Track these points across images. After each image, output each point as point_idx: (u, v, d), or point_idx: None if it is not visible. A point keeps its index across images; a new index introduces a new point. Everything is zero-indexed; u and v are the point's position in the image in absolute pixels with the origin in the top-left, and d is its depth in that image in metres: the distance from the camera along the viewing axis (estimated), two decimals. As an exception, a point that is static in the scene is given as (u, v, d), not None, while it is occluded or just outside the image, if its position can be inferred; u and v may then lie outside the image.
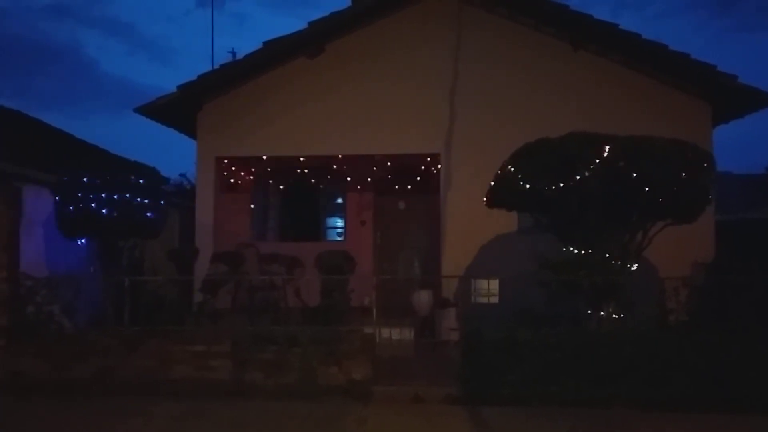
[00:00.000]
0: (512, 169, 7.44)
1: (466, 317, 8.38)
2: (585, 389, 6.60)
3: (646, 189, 6.77)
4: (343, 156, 10.89)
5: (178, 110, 10.62)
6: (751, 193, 18.30)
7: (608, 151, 6.76)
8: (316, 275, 8.87)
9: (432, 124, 10.33)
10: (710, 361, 6.56)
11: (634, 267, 7.36)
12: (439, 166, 10.44)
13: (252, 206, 12.56)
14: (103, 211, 8.13)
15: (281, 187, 13.00)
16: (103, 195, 8.17)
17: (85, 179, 8.28)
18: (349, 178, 12.41)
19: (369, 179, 12.31)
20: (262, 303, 9.34)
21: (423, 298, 9.96)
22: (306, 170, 12.07)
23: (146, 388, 7.09)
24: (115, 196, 8.21)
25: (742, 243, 10.13)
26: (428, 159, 11.02)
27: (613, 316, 7.18)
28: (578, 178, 6.82)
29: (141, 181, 8.62)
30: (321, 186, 12.94)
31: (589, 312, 7.23)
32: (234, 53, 18.23)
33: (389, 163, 11.59)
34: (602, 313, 7.19)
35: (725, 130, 11.18)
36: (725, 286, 7.51)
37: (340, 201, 13.01)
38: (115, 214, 8.24)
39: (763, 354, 6.55)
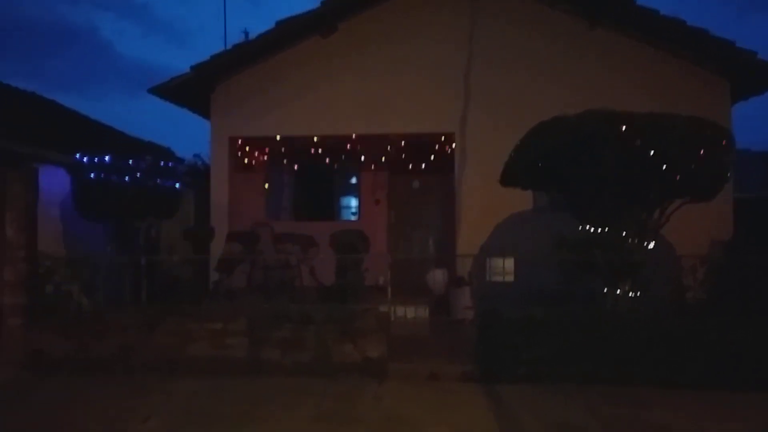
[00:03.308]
0: (527, 147, 7.39)
1: (481, 296, 8.38)
2: (601, 368, 6.60)
3: (664, 167, 6.69)
4: (357, 135, 10.87)
5: (191, 91, 10.63)
6: (770, 171, 18.04)
7: (625, 129, 6.68)
8: (330, 254, 8.90)
9: (447, 103, 10.27)
10: (728, 340, 6.52)
11: (651, 245, 7.31)
12: (454, 144, 10.39)
13: (266, 186, 12.58)
14: (119, 191, 8.19)
15: (295, 166, 13.00)
16: (119, 175, 8.22)
17: (100, 159, 8.32)
18: (363, 158, 12.38)
19: (383, 159, 12.27)
20: (277, 282, 9.40)
21: (437, 276, 9.97)
22: (320, 150, 12.05)
23: (165, 365, 7.18)
24: (131, 177, 8.26)
25: (760, 221, 10.01)
26: (443, 138, 10.97)
27: (630, 294, 7.14)
28: (595, 156, 6.75)
29: (156, 161, 8.66)
30: (335, 166, 12.92)
31: (606, 291, 7.19)
32: (247, 33, 18.11)
33: (403, 143, 11.54)
34: (619, 291, 7.15)
35: (744, 107, 11.03)
36: (743, 264, 7.44)
37: (354, 180, 12.99)
38: (131, 194, 8.29)
39: (781, 333, 6.50)
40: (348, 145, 11.86)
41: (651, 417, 5.60)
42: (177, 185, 9.09)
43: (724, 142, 6.92)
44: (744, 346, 6.49)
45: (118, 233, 8.85)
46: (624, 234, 7.17)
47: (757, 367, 6.44)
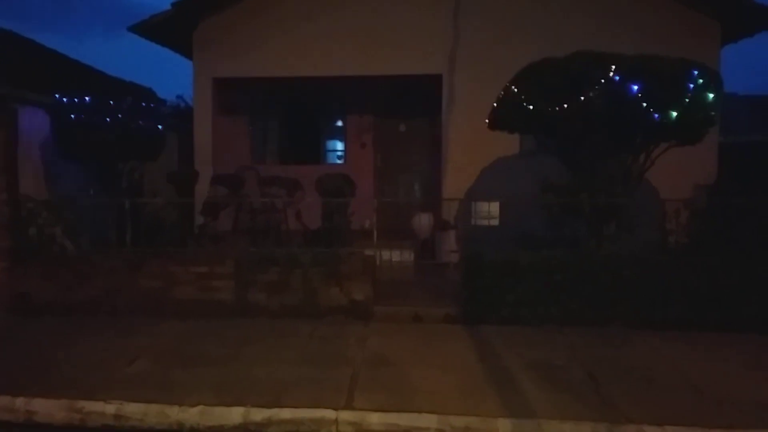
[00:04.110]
0: (516, 90, 7.31)
1: (466, 239, 8.42)
2: (584, 310, 6.72)
3: (651, 109, 6.65)
4: (342, 77, 10.68)
5: (173, 29, 10.37)
6: (756, 115, 18.06)
7: (614, 71, 6.60)
8: (316, 198, 8.86)
9: (434, 44, 10.10)
10: (709, 283, 6.64)
11: (636, 189, 7.33)
12: (442, 87, 10.25)
13: (251, 129, 12.42)
14: (100, 131, 8.04)
15: (280, 109, 12.80)
16: (100, 116, 8.05)
17: (81, 100, 8.14)
18: (348, 101, 12.21)
19: (370, 101, 12.11)
20: (263, 226, 9.36)
21: (423, 220, 10.00)
22: (306, 92, 11.86)
23: (151, 308, 7.21)
24: (113, 118, 8.10)
25: (745, 165, 10.05)
26: (430, 80, 10.81)
27: (613, 238, 7.20)
28: (583, 98, 6.69)
29: (138, 102, 8.49)
30: (320, 108, 12.75)
31: (589, 234, 7.24)
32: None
33: (390, 85, 11.37)
34: (603, 234, 7.20)
35: (734, 49, 10.93)
36: (726, 208, 7.49)
37: (340, 124, 12.85)
38: (113, 136, 8.15)
39: (761, 276, 6.61)
40: (334, 88, 11.67)
41: (632, 357, 5.73)
42: (160, 127, 8.94)
43: (712, 85, 6.87)
44: (725, 288, 6.62)
45: (101, 176, 8.75)
46: (609, 177, 7.18)
47: (737, 308, 6.57)
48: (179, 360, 5.66)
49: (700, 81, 6.76)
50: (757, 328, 6.45)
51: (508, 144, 9.61)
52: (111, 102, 8.28)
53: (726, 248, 6.87)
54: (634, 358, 5.70)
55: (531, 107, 7.17)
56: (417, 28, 10.10)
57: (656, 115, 6.70)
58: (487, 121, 8.07)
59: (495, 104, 7.78)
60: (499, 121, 7.91)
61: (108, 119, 8.13)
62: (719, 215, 7.56)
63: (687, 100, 6.70)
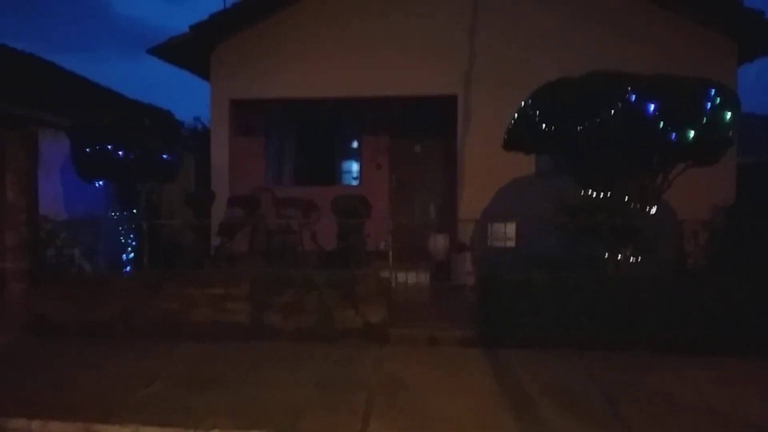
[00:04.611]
0: (531, 110, 7.29)
1: (482, 261, 8.38)
2: (602, 332, 6.62)
3: (669, 129, 6.61)
4: (358, 98, 10.74)
5: (191, 51, 10.50)
6: (774, 135, 17.88)
7: (631, 90, 6.57)
8: (332, 219, 8.87)
9: (450, 65, 10.13)
10: (729, 306, 6.53)
11: (654, 210, 7.27)
12: (457, 107, 10.27)
13: (267, 150, 12.50)
14: (120, 153, 8.12)
15: (296, 130, 12.89)
16: (119, 138, 8.14)
17: (101, 122, 8.24)
18: (364, 122, 12.26)
19: (385, 122, 12.16)
20: (278, 247, 9.39)
21: (439, 241, 9.96)
22: (321, 113, 11.93)
23: (167, 330, 7.22)
24: (131, 139, 8.18)
25: (763, 186, 9.95)
26: (446, 101, 10.84)
27: (632, 259, 7.12)
28: (599, 118, 6.66)
29: (156, 124, 8.58)
30: (336, 129, 12.81)
31: (607, 255, 7.17)
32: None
33: (406, 106, 11.41)
34: (620, 256, 7.13)
35: (750, 69, 10.87)
36: (745, 229, 7.41)
37: (355, 145, 12.89)
38: (132, 157, 8.23)
39: (783, 298, 6.50)
40: (349, 109, 11.73)
41: (651, 382, 5.63)
42: (178, 149, 9.02)
43: (730, 105, 6.81)
44: (745, 311, 6.50)
45: (119, 197, 8.82)
46: (627, 198, 7.12)
47: (758, 332, 6.45)
48: (195, 382, 5.65)
49: (718, 100, 6.70)
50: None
51: (523, 164, 9.59)
52: (129, 124, 8.36)
53: (746, 270, 6.77)
54: (653, 383, 5.60)
55: (547, 127, 7.14)
56: (432, 49, 10.15)
57: (673, 135, 6.65)
58: (502, 141, 8.06)
59: (510, 124, 7.77)
60: (514, 141, 7.90)
61: (127, 141, 8.20)
62: (738, 236, 7.48)
63: (704, 120, 6.64)
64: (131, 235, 8.62)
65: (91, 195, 8.92)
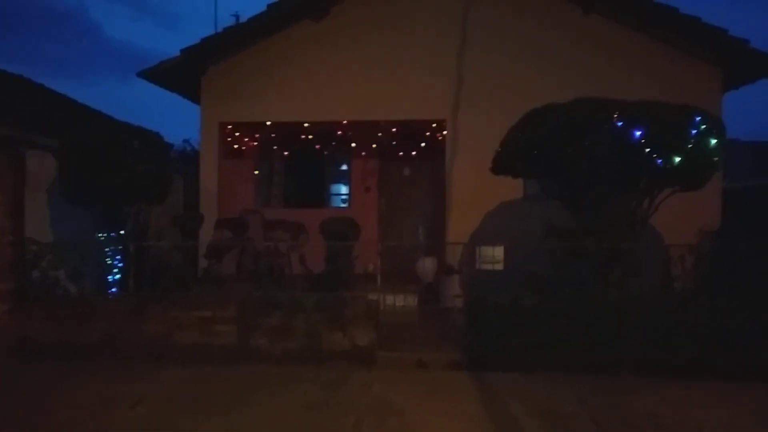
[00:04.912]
0: (519, 135, 7.37)
1: (471, 284, 8.38)
2: (590, 355, 6.63)
3: (655, 155, 6.69)
4: (347, 122, 10.80)
5: (181, 75, 10.53)
6: (758, 161, 18.15)
7: (617, 117, 6.66)
8: (320, 242, 8.86)
9: (439, 89, 10.21)
10: (716, 329, 6.56)
11: (641, 234, 7.32)
12: (446, 131, 10.35)
13: (256, 172, 12.51)
14: (107, 175, 8.09)
15: (285, 153, 12.93)
16: (107, 160, 8.11)
17: (88, 143, 8.21)
18: (353, 145, 12.33)
19: (374, 145, 12.22)
20: (266, 269, 9.36)
21: (427, 264, 9.97)
22: (310, 136, 11.98)
23: (153, 353, 7.14)
24: (119, 161, 8.16)
25: (748, 210, 10.06)
26: (434, 125, 10.93)
27: (619, 282, 7.15)
28: (586, 144, 6.74)
29: (145, 146, 8.57)
30: (325, 152, 12.86)
31: (595, 278, 7.20)
32: (237, 17, 18.00)
33: (394, 129, 11.49)
34: (608, 279, 7.16)
35: (734, 96, 11.05)
36: (731, 253, 7.47)
37: (344, 167, 12.94)
38: (120, 180, 8.19)
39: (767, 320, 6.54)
40: (338, 132, 11.80)
41: (639, 405, 5.63)
42: (167, 171, 9.00)
43: (714, 131, 6.92)
44: (732, 334, 6.53)
45: (107, 219, 8.77)
46: (614, 222, 7.17)
47: (744, 355, 6.47)
48: (180, 406, 5.59)
49: (703, 127, 6.81)
50: (765, 375, 6.34)
51: (511, 188, 9.64)
52: (118, 146, 8.34)
53: (732, 293, 6.82)
54: (641, 405, 5.60)
55: (534, 152, 7.22)
56: (422, 74, 10.23)
57: (659, 161, 6.74)
58: (490, 165, 8.11)
59: (498, 149, 7.83)
60: (502, 165, 7.96)
61: (115, 163, 8.17)
62: (724, 260, 7.53)
63: (689, 146, 6.74)
64: (118, 257, 8.55)
65: (78, 216, 8.86)
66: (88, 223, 8.88)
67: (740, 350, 6.49)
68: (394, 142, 12.02)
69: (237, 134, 11.59)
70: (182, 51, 10.02)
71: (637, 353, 6.59)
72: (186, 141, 18.00)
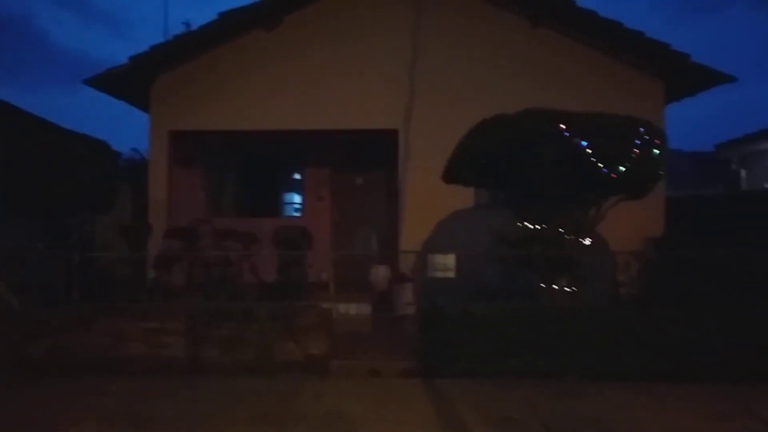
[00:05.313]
0: (469, 145, 7.48)
1: (423, 292, 8.43)
2: (539, 361, 6.74)
3: (601, 165, 6.87)
4: (300, 131, 10.77)
5: (130, 83, 10.35)
6: (699, 171, 18.81)
7: (564, 127, 6.82)
8: (272, 251, 8.79)
9: (391, 100, 10.29)
10: (659, 334, 6.75)
11: (588, 242, 7.50)
12: (398, 141, 10.41)
13: (207, 181, 12.34)
14: (51, 185, 7.87)
15: (237, 162, 12.80)
16: (51, 169, 7.90)
17: (31, 152, 7.98)
18: (306, 154, 12.29)
19: (327, 155, 12.21)
20: (217, 279, 9.22)
21: (380, 273, 10.00)
22: (263, 145, 11.89)
23: (100, 366, 6.96)
24: (64, 171, 7.95)
25: (690, 219, 10.40)
26: (387, 135, 10.98)
27: (567, 290, 7.31)
28: (534, 154, 6.88)
29: (91, 154, 8.37)
30: (278, 161, 12.79)
31: (543, 286, 7.34)
32: (188, 25, 17.77)
33: (348, 139, 11.49)
34: (556, 287, 7.31)
35: (676, 108, 11.44)
36: (674, 260, 7.71)
37: (297, 176, 12.89)
38: (64, 189, 7.97)
39: (708, 326, 6.77)
40: (291, 141, 11.74)
41: (586, 409, 5.75)
42: (113, 180, 8.81)
43: (657, 142, 7.15)
44: (675, 338, 6.73)
45: (50, 230, 8.51)
46: (562, 231, 7.33)
47: (687, 358, 6.68)
48: (127, 420, 5.45)
49: (646, 138, 7.03)
50: (706, 378, 6.55)
51: (463, 197, 9.76)
52: (62, 154, 8.13)
53: (675, 299, 7.03)
54: (589, 410, 5.72)
55: (484, 162, 7.33)
56: (374, 85, 10.30)
57: (605, 170, 6.92)
58: (442, 174, 8.19)
59: (450, 158, 7.92)
60: (454, 174, 8.05)
61: (59, 172, 7.96)
62: (667, 267, 7.77)
63: (634, 156, 6.94)
64: (63, 269, 8.31)
65: (20, 227, 8.59)
66: (33, 235, 8.61)
67: (682, 354, 6.69)
68: (347, 152, 12.03)
69: (187, 142, 11.41)
70: (130, 58, 9.85)
71: (585, 359, 6.73)
72: (134, 149, 17.60)
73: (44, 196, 7.96)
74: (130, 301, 7.82)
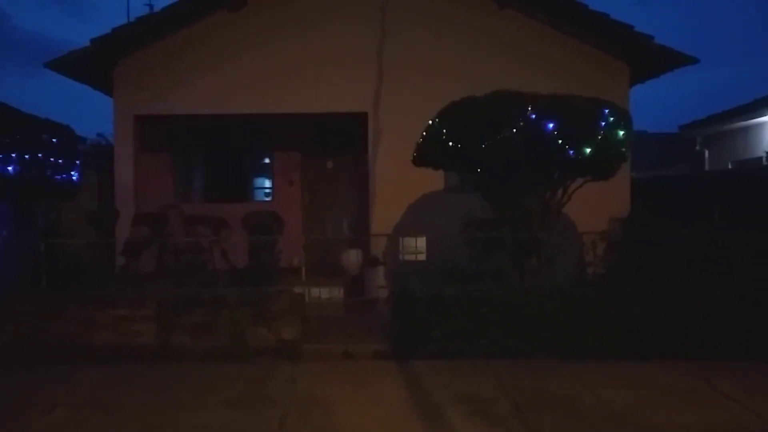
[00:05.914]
0: (438, 128, 7.50)
1: (395, 275, 8.49)
2: (509, 342, 6.85)
3: (567, 146, 6.96)
4: (268, 114, 10.67)
5: (92, 65, 10.12)
6: (664, 152, 19.13)
7: (531, 110, 6.88)
8: (243, 236, 8.74)
9: (360, 83, 10.24)
10: (625, 313, 6.90)
11: (555, 223, 7.60)
12: (368, 125, 10.39)
13: (175, 167, 12.18)
14: (13, 171, 7.72)
15: (205, 146, 12.65)
16: (13, 154, 7.74)
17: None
18: (276, 138, 12.19)
19: (297, 138, 12.13)
20: (187, 266, 9.14)
21: (352, 257, 10.01)
22: (231, 129, 11.77)
23: (68, 354, 6.88)
24: (26, 156, 7.79)
25: (656, 199, 10.60)
26: (356, 118, 10.95)
27: (535, 271, 7.42)
28: (502, 136, 6.93)
29: (54, 139, 8.21)
30: (247, 146, 12.67)
31: (512, 267, 7.44)
32: (151, 6, 17.48)
33: (316, 122, 11.43)
34: (525, 268, 7.41)
35: (641, 89, 11.60)
36: (640, 240, 7.86)
37: (267, 161, 12.79)
38: (26, 175, 7.83)
39: (673, 305, 6.94)
40: (260, 125, 11.64)
41: (553, 387, 5.88)
42: (78, 165, 8.66)
43: (622, 123, 7.25)
44: (640, 317, 6.89)
45: (14, 217, 8.36)
46: (530, 212, 7.42)
47: (652, 336, 6.84)
48: (99, 408, 5.41)
49: (611, 119, 7.13)
50: (671, 355, 6.72)
51: (433, 180, 9.79)
52: (24, 139, 7.96)
53: (641, 278, 7.18)
54: (558, 388, 5.85)
55: (453, 144, 7.37)
56: (342, 67, 10.23)
57: (571, 152, 7.02)
58: (412, 157, 8.22)
59: (419, 141, 7.94)
60: (423, 157, 8.08)
61: (21, 157, 7.80)
62: (633, 247, 7.92)
63: (599, 137, 7.04)
64: (29, 257, 8.17)
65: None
66: (-5, 222, 8.45)
67: (648, 332, 6.86)
68: (316, 136, 11.97)
69: (153, 127, 11.24)
70: (92, 41, 9.62)
71: (554, 339, 6.86)
72: (100, 134, 17.31)
73: (6, 183, 7.80)
74: (98, 288, 7.72)
